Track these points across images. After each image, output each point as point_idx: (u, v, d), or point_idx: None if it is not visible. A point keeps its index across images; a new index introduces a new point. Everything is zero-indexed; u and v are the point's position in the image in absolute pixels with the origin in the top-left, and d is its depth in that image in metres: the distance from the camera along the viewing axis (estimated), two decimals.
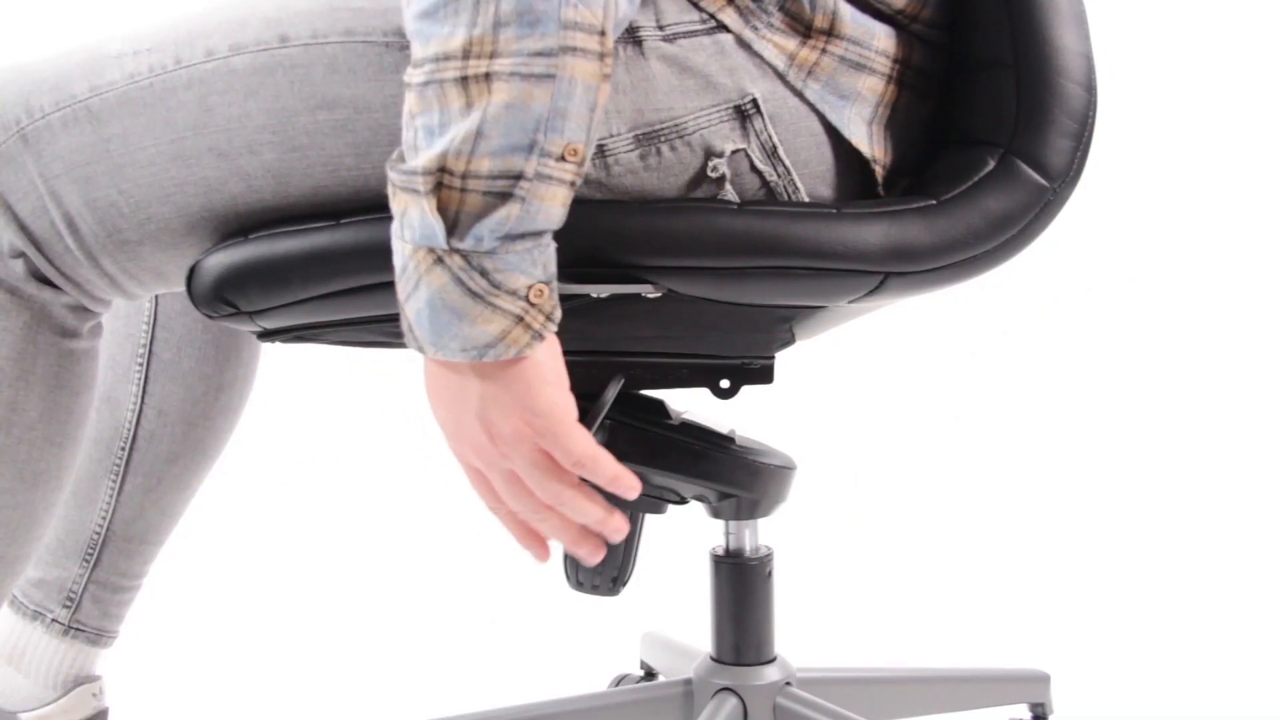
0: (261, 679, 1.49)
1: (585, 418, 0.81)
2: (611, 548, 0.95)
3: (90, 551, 1.10)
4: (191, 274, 0.81)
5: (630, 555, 0.98)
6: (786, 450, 1.00)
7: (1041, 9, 0.83)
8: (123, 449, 1.09)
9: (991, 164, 0.83)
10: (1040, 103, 0.83)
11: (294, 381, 1.91)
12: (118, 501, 1.09)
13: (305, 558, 1.83)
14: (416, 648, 1.57)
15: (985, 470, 2.00)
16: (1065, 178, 0.83)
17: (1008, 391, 2.13)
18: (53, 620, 1.10)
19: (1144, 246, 2.20)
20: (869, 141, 0.84)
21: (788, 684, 1.02)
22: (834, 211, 0.80)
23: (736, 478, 0.95)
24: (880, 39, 0.83)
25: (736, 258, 0.78)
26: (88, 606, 1.10)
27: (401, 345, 0.85)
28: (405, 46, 0.77)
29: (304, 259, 0.78)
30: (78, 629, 1.10)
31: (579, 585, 0.98)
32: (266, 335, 0.84)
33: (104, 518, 1.09)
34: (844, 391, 2.10)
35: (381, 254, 0.76)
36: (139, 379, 1.08)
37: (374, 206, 0.79)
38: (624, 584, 0.98)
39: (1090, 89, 0.84)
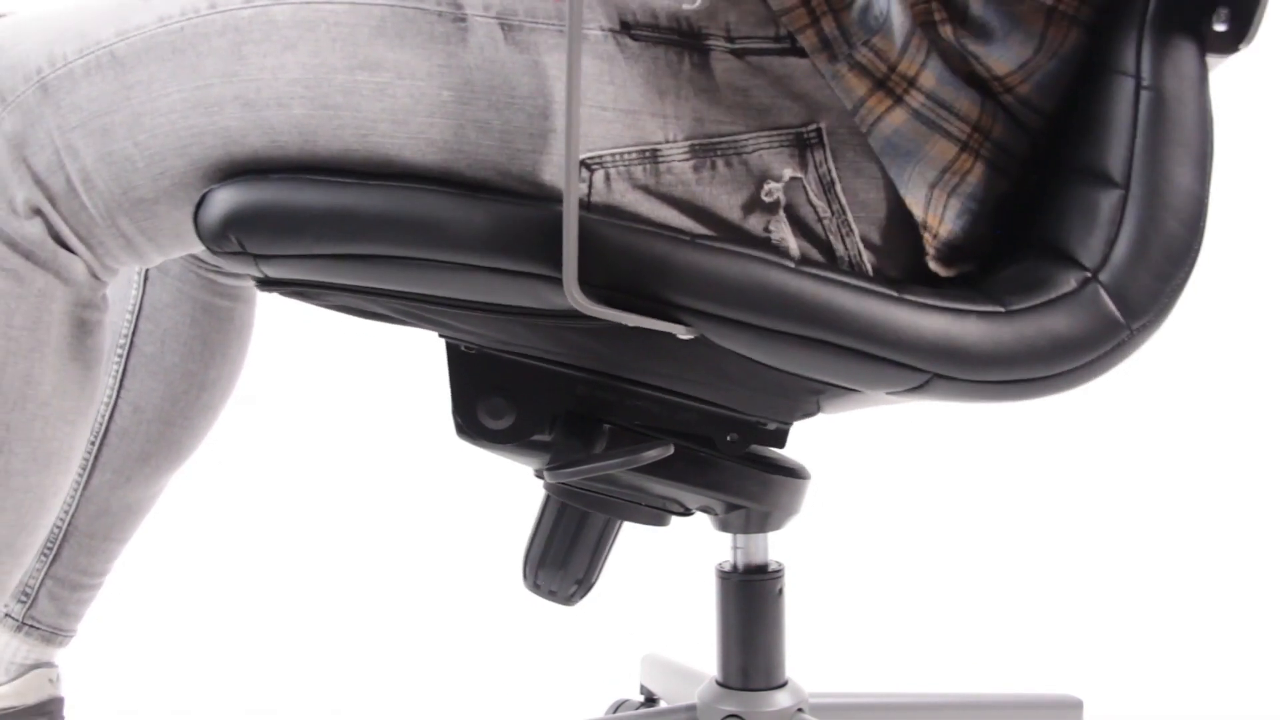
0: (242, 702, 1.48)
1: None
2: (578, 550, 0.93)
3: (50, 545, 1.08)
4: (201, 202, 0.78)
5: (597, 561, 0.95)
6: (799, 458, 0.97)
7: (1169, 137, 0.80)
8: (92, 443, 1.07)
9: (1073, 284, 0.79)
10: (1141, 235, 0.79)
11: (280, 379, 1.92)
12: (82, 496, 1.07)
13: (292, 578, 1.81)
14: (405, 672, 1.55)
15: (1014, 479, 1.97)
16: (1146, 320, 0.80)
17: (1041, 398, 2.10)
18: (6, 615, 1.09)
19: None
20: (925, 206, 0.81)
21: (800, 710, 1.00)
22: (894, 295, 0.77)
23: (745, 488, 0.92)
24: (964, 103, 0.80)
25: (781, 320, 0.76)
26: (44, 603, 1.09)
27: (404, 323, 0.84)
28: (459, 18, 0.75)
29: (325, 213, 0.76)
30: (32, 625, 1.09)
31: (535, 588, 0.95)
32: (267, 284, 0.82)
33: (67, 511, 1.08)
34: None
35: (408, 227, 0.74)
36: (116, 371, 1.06)
37: (404, 176, 0.76)
38: (585, 592, 0.95)
39: (1195, 233, 0.80)
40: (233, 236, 0.77)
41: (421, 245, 0.75)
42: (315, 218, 0.76)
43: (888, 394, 0.80)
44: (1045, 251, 0.82)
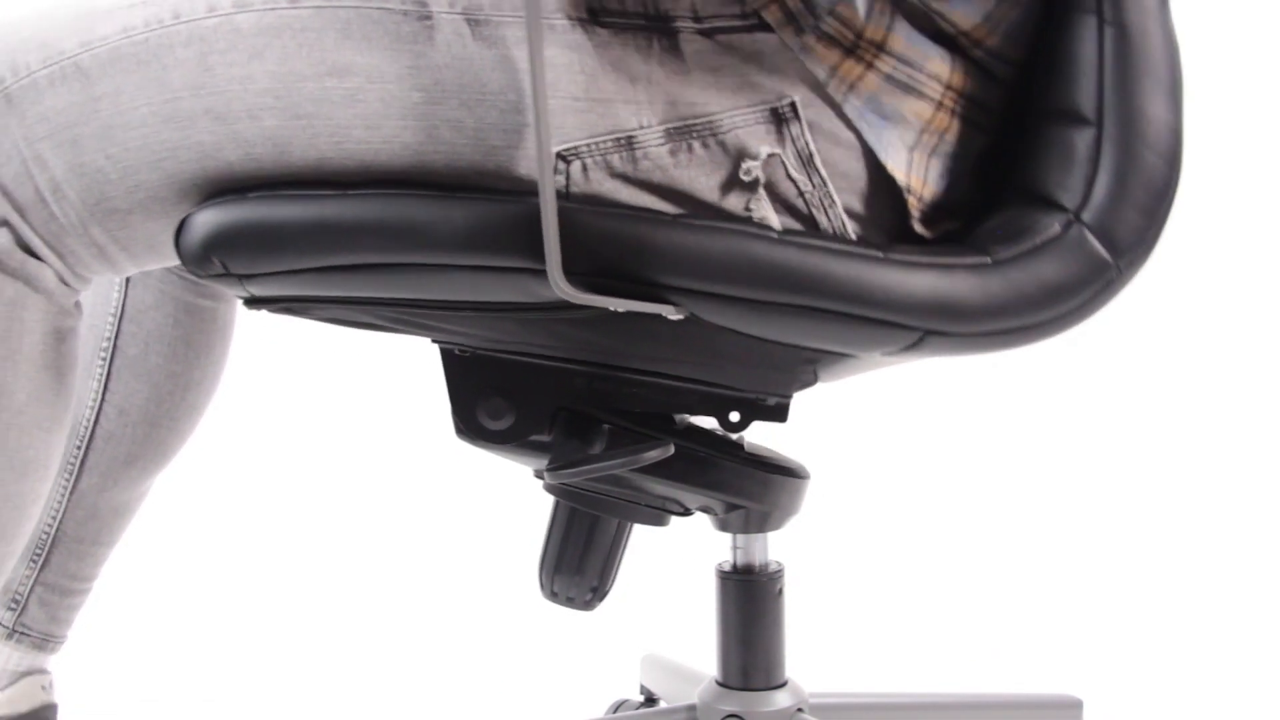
0: (240, 703, 1.47)
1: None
2: (591, 555, 0.93)
3: (39, 552, 1.07)
4: (181, 227, 0.78)
5: (611, 565, 0.95)
6: (799, 458, 0.97)
7: (1137, 70, 0.80)
8: (78, 447, 1.06)
9: (1056, 229, 0.79)
10: (1119, 171, 0.79)
11: (265, 382, 1.92)
12: (70, 501, 1.07)
13: (290, 577, 1.80)
14: (404, 671, 1.55)
15: (1013, 480, 1.97)
16: (1133, 256, 0.80)
17: (1041, 397, 2.10)
18: None
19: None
20: (907, 169, 0.81)
21: (800, 710, 0.99)
22: (880, 256, 0.77)
23: (745, 487, 0.92)
24: (934, 62, 0.80)
25: (769, 291, 0.75)
26: (34, 610, 1.08)
27: (395, 330, 0.83)
28: (424, 16, 0.75)
29: (305, 227, 0.75)
30: (23, 633, 1.08)
31: (553, 595, 0.95)
32: (254, 302, 0.81)
33: (54, 517, 1.07)
34: (861, 393, 2.06)
35: (389, 233, 0.73)
36: (100, 374, 1.06)
37: (382, 182, 0.76)
38: (602, 597, 0.95)
39: (1174, 165, 0.80)
40: (215, 259, 0.76)
41: (403, 250, 0.74)
42: (295, 232, 0.75)
43: (883, 355, 0.79)
44: (1026, 198, 0.81)
